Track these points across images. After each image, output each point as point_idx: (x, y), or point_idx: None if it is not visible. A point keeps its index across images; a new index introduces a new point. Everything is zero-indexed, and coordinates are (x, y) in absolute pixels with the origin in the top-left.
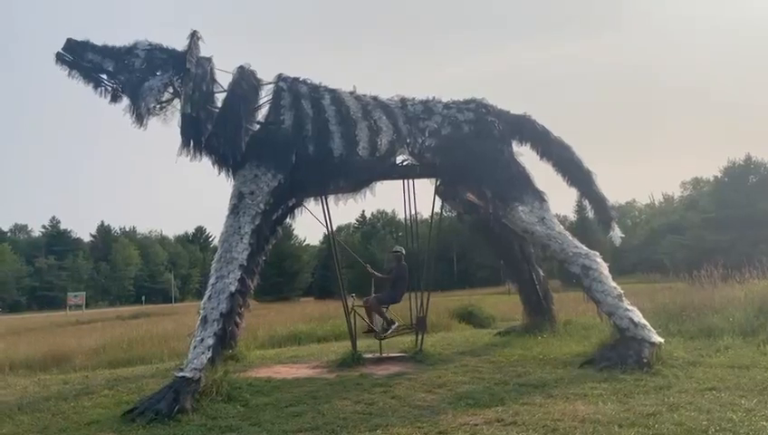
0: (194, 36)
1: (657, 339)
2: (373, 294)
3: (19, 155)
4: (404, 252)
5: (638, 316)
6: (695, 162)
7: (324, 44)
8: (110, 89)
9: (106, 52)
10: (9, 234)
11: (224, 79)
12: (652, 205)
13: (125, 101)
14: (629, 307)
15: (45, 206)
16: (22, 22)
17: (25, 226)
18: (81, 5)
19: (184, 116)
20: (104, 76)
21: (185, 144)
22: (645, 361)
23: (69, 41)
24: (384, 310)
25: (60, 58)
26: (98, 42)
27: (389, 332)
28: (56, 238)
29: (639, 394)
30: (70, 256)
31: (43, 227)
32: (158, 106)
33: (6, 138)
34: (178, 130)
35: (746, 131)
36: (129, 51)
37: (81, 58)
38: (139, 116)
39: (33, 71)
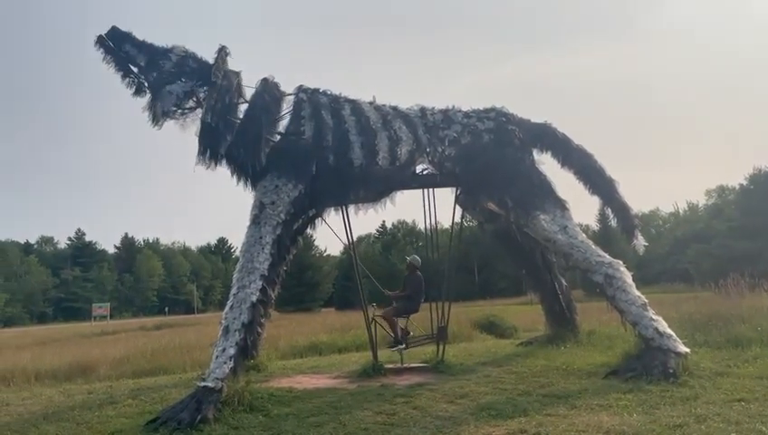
0: (221, 52)
1: (684, 349)
2: (393, 306)
3: (45, 169)
4: (418, 262)
5: (663, 326)
6: (719, 170)
7: (339, 55)
8: (136, 82)
9: (143, 47)
10: (36, 246)
11: (250, 93)
12: (676, 213)
13: (147, 97)
14: (654, 317)
15: (71, 218)
16: (42, 26)
17: (51, 238)
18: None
19: (203, 124)
20: (135, 69)
21: (202, 153)
22: (671, 371)
23: (113, 28)
24: (404, 322)
25: (100, 42)
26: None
27: (405, 340)
28: (81, 250)
29: (666, 405)
30: (95, 267)
31: (69, 239)
32: (179, 111)
33: (32, 151)
34: (196, 138)
35: None
36: (165, 52)
37: (119, 47)
38: (155, 116)
39: (54, 82)
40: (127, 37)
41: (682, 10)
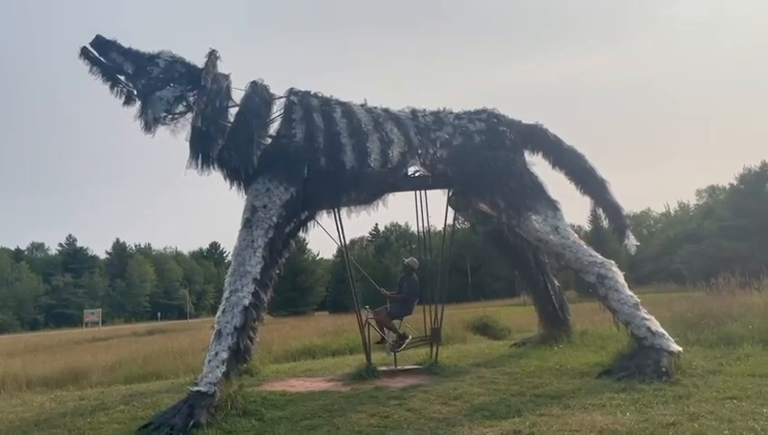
0: (212, 55)
1: (676, 348)
2: (385, 307)
3: (35, 174)
4: (416, 264)
5: (655, 325)
6: (710, 170)
7: (333, 58)
8: (125, 91)
9: (129, 55)
10: (26, 252)
11: (239, 96)
12: (668, 214)
13: (137, 105)
14: (647, 316)
15: (62, 224)
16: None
17: (42, 244)
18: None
19: (194, 129)
20: (122, 78)
21: (194, 157)
22: (663, 370)
23: (98, 37)
24: (398, 324)
25: (84, 53)
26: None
27: (402, 347)
28: (72, 256)
29: (658, 404)
30: (86, 273)
31: (60, 245)
32: (170, 117)
33: (22, 157)
34: (188, 143)
35: (762, 138)
36: (152, 58)
37: (104, 56)
38: (146, 123)
39: (46, 87)
40: (112, 45)
41: (676, 12)
